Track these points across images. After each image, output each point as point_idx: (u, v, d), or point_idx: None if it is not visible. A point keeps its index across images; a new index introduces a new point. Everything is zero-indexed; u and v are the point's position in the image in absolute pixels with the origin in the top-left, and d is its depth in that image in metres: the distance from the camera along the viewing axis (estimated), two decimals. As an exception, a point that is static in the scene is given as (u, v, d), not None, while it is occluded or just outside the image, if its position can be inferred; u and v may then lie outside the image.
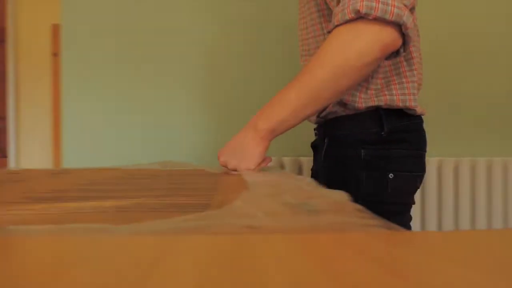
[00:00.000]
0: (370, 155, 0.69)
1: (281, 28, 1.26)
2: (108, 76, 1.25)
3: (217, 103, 1.27)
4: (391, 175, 0.68)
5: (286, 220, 0.16)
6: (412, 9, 0.59)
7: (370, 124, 0.70)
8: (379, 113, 0.70)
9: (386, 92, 0.69)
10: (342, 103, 0.71)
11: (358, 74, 0.58)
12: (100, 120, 1.26)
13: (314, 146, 0.86)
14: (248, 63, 1.27)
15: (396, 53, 0.61)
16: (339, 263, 0.10)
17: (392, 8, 0.54)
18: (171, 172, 0.64)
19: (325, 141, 0.75)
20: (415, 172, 0.73)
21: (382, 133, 0.69)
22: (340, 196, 0.25)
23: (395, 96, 0.69)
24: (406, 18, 0.55)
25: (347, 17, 0.56)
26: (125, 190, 0.39)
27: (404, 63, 0.70)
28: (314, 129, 0.85)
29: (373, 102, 0.69)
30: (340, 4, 0.58)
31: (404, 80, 0.70)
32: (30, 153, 2.35)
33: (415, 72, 0.71)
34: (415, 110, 0.71)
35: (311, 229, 0.14)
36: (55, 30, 2.13)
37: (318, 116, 0.77)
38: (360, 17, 0.55)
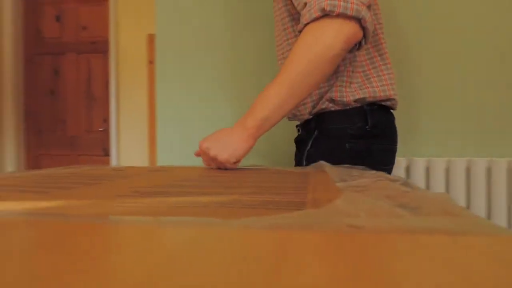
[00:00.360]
0: (354, 148, 0.76)
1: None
2: (199, 81, 1.33)
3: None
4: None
5: (392, 221, 0.15)
6: (369, 7, 0.65)
7: (356, 118, 0.77)
8: (363, 109, 0.77)
9: (368, 85, 0.77)
10: (331, 100, 0.78)
11: (328, 65, 0.64)
12: (192, 122, 1.34)
13: (297, 141, 0.91)
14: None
15: (359, 45, 0.69)
16: (465, 264, 0.10)
17: (352, 5, 0.62)
18: (256, 171, 0.65)
19: (315, 133, 0.82)
20: (389, 165, 0.80)
21: (367, 127, 0.76)
22: (444, 197, 0.24)
23: (376, 88, 0.77)
24: (364, 13, 0.63)
25: (314, 15, 0.63)
26: (217, 187, 0.41)
27: (378, 58, 0.78)
28: (297, 126, 0.91)
29: (359, 94, 0.77)
30: (307, 6, 0.66)
31: (380, 73, 0.77)
32: (129, 152, 2.60)
33: (389, 65, 0.79)
34: (395, 100, 0.79)
35: (422, 231, 0.14)
36: (151, 39, 2.32)
37: (309, 114, 0.83)
38: (325, 14, 0.63)
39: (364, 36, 0.68)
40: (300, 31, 0.68)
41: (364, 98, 0.77)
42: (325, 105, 0.79)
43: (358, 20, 0.64)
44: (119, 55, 2.54)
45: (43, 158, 2.78)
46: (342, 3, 0.62)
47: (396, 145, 0.84)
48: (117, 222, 0.18)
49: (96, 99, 2.67)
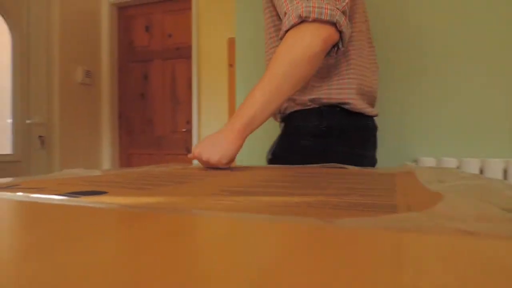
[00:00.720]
0: (309, 145, 0.81)
1: None
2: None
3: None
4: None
5: (507, 226, 0.14)
6: (344, 12, 0.69)
7: (313, 118, 0.82)
8: (320, 109, 0.82)
9: (326, 88, 0.82)
10: (292, 99, 0.85)
11: (309, 65, 0.69)
12: (269, 123, 1.37)
13: None
14: None
15: (337, 49, 0.73)
16: None
17: (326, 10, 0.67)
18: (337, 171, 0.65)
19: (280, 131, 0.89)
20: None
21: (322, 127, 0.80)
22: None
23: (332, 90, 0.81)
24: (339, 17, 0.68)
25: (292, 22, 0.69)
26: (301, 188, 0.42)
27: (344, 64, 0.81)
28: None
29: (314, 95, 0.82)
30: (286, 15, 0.71)
31: (341, 78, 0.80)
32: (209, 152, 2.72)
33: (352, 71, 0.81)
34: (351, 105, 0.80)
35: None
36: (231, 43, 2.40)
37: (279, 114, 0.90)
38: (302, 20, 0.69)
39: (341, 39, 0.72)
40: (281, 38, 0.73)
41: (319, 99, 0.82)
42: (286, 104, 0.86)
43: (333, 24, 0.69)
44: (201, 59, 2.68)
45: (133, 157, 3.04)
46: (316, 9, 0.67)
47: (366, 151, 0.86)
48: (229, 217, 0.19)
49: (180, 101, 2.85)
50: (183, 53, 2.80)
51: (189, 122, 2.81)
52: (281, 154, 0.88)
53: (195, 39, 2.67)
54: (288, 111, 0.88)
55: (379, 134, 0.94)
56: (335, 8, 0.68)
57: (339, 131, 0.82)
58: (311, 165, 0.75)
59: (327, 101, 0.82)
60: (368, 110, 0.85)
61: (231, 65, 2.40)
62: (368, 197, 0.32)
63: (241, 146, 0.72)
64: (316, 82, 0.84)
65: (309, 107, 0.84)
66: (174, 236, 0.15)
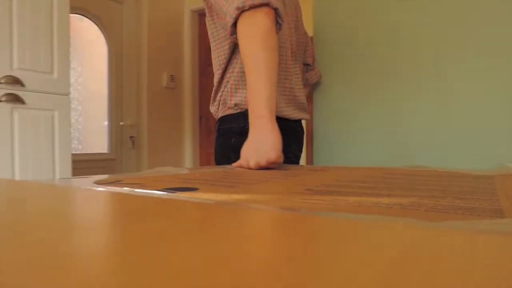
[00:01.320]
0: (237, 142, 0.90)
1: None
2: (356, 82, 1.31)
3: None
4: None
5: None
6: None
7: (240, 120, 0.95)
8: (244, 113, 0.94)
9: (239, 94, 0.96)
10: (224, 103, 1.00)
11: (270, 40, 0.78)
12: (349, 123, 1.34)
13: None
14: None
15: (279, 25, 0.84)
16: None
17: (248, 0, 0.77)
18: (422, 173, 0.61)
19: (216, 133, 1.05)
20: None
21: (246, 128, 0.85)
22: None
23: (244, 97, 0.95)
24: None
25: (233, 15, 0.81)
26: (388, 189, 0.40)
27: None
28: None
29: (235, 100, 0.96)
30: (227, 15, 0.83)
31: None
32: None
33: None
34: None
35: None
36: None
37: (216, 117, 1.05)
38: (241, 12, 0.79)
39: (278, 14, 0.82)
40: (231, 34, 0.85)
41: (239, 104, 0.96)
42: (221, 107, 1.01)
43: (266, 5, 0.79)
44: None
45: (212, 156, 3.18)
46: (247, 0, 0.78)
47: (285, 148, 0.90)
48: (326, 216, 0.20)
49: (256, 102, 2.91)
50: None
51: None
52: (218, 153, 1.03)
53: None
54: (221, 114, 1.02)
55: (468, 136, 0.87)
56: None
57: (234, 134, 0.98)
58: (394, 166, 0.72)
59: (245, 105, 0.95)
60: (287, 114, 1.01)
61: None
62: (467, 200, 0.30)
63: (278, 131, 0.73)
64: (237, 87, 0.97)
65: (236, 111, 0.98)
66: (280, 233, 0.16)
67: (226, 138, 0.99)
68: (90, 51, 2.81)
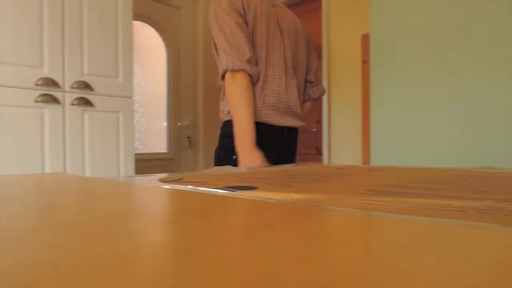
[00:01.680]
0: (227, 143, 1.19)
1: None
2: (414, 80, 1.25)
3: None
4: (234, 157, 1.16)
5: None
6: (249, 61, 1.14)
7: (231, 125, 1.17)
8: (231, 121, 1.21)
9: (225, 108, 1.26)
10: (222, 112, 1.27)
11: (247, 94, 1.14)
12: (406, 121, 1.28)
13: None
14: None
15: (256, 81, 1.19)
16: None
17: (236, 63, 1.12)
18: (493, 175, 0.57)
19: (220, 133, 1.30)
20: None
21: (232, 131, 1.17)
22: None
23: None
24: (245, 66, 1.13)
25: (221, 73, 1.17)
26: (455, 190, 0.38)
27: (259, 89, 1.22)
28: None
29: (222, 114, 1.28)
30: (221, 65, 1.18)
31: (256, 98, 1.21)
32: (340, 151, 2.68)
33: (267, 91, 1.23)
34: (258, 117, 1.22)
35: None
36: (365, 39, 2.33)
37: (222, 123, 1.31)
38: (226, 71, 1.15)
39: (251, 76, 1.16)
40: (221, 78, 1.21)
41: (228, 112, 1.22)
42: (225, 115, 1.25)
43: (243, 70, 1.13)
44: (331, 58, 2.67)
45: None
46: (231, 63, 1.12)
47: (267, 151, 1.20)
48: (399, 219, 0.19)
49: (310, 101, 2.89)
50: (313, 53, 2.84)
51: (319, 122, 2.82)
52: (225, 151, 1.22)
53: (325, 38, 2.67)
54: (225, 119, 1.25)
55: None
56: (243, 60, 1.13)
57: (229, 137, 1.24)
58: (459, 167, 0.68)
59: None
60: (275, 120, 1.24)
61: (364, 62, 2.32)
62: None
63: (258, 151, 1.13)
64: (222, 104, 1.30)
65: (229, 118, 1.22)
66: (346, 235, 0.16)
67: (227, 139, 1.22)
68: (150, 56, 2.96)
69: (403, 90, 1.28)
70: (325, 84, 2.69)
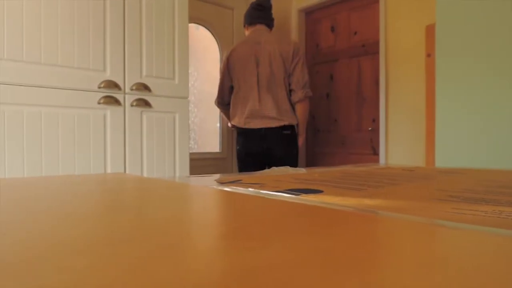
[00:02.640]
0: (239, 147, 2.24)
1: None
2: (484, 74, 1.15)
3: None
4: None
5: None
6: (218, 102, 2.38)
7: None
8: (237, 130, 2.28)
9: (236, 119, 2.21)
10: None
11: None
12: (476, 120, 1.17)
13: None
14: None
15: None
16: None
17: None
18: None
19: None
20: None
21: (236, 135, 2.27)
22: None
23: (237, 121, 2.17)
24: (309, 93, 2.13)
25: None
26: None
27: (234, 103, 2.20)
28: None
29: (233, 122, 2.26)
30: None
31: (232, 109, 2.22)
32: (397, 150, 2.55)
33: (239, 105, 2.15)
34: (236, 126, 2.21)
35: None
36: (429, 31, 2.19)
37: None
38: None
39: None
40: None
41: (235, 125, 2.19)
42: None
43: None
44: (389, 53, 2.54)
45: (318, 155, 3.13)
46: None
47: (244, 148, 2.17)
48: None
49: (366, 99, 2.78)
50: (369, 49, 2.72)
51: (375, 120, 2.71)
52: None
53: (383, 33, 2.55)
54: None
55: None
56: (216, 101, 2.30)
57: (237, 138, 2.20)
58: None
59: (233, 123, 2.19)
60: (250, 124, 2.07)
61: (429, 55, 2.18)
62: None
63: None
64: (235, 115, 2.18)
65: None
66: (446, 254, 0.13)
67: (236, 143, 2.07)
68: (204, 57, 3.02)
69: (472, 86, 1.17)
70: (381, 80, 2.58)
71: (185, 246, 0.13)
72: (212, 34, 3.03)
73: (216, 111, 3.06)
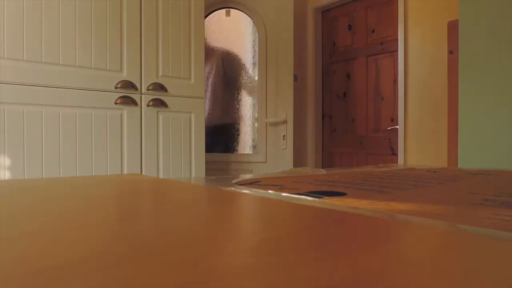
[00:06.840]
0: None
1: None
2: (510, 73, 1.10)
3: None
4: None
5: None
6: None
7: None
8: None
9: None
10: None
11: None
12: (501, 120, 1.13)
13: None
14: None
15: None
16: None
17: None
18: None
19: None
20: None
21: None
22: None
23: None
24: None
25: None
26: None
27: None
28: None
29: None
30: None
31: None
32: (416, 151, 2.50)
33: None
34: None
35: None
36: (451, 27, 2.13)
37: None
38: None
39: None
40: None
41: None
42: None
43: None
44: (409, 51, 2.49)
45: (335, 156, 3.09)
46: None
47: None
48: None
49: (384, 99, 2.72)
50: (387, 47, 2.66)
51: (393, 120, 2.65)
52: None
53: (402, 30, 2.49)
54: None
55: None
56: None
57: None
58: None
59: None
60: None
61: (451, 52, 2.12)
62: None
63: None
64: None
65: None
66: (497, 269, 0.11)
67: None
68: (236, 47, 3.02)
69: (497, 84, 1.13)
70: (400, 79, 2.52)
71: (214, 262, 0.12)
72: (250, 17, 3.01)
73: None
